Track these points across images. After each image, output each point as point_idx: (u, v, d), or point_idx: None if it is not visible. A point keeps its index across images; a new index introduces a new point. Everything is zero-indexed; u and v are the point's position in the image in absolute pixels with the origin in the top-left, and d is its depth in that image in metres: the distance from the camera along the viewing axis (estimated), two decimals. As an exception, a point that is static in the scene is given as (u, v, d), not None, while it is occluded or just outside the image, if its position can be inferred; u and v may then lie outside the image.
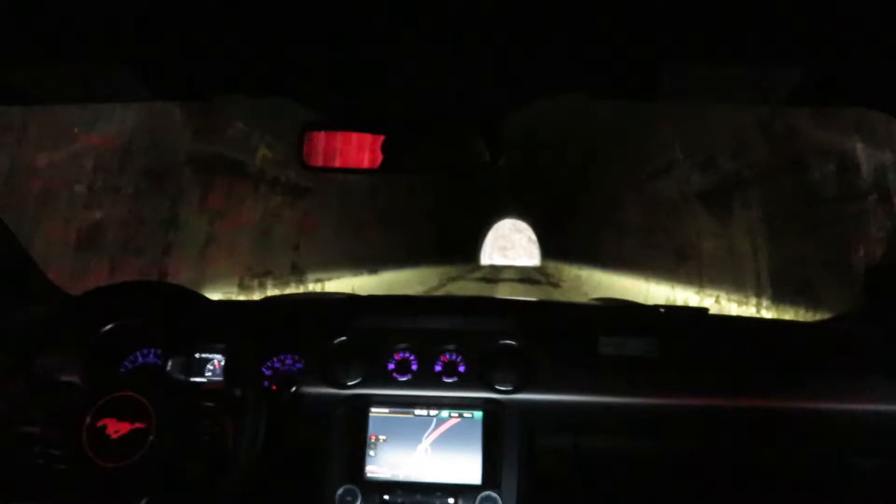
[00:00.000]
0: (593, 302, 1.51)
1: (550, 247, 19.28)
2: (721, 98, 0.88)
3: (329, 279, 6.94)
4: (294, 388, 1.09)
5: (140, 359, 1.15)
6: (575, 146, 8.94)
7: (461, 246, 17.89)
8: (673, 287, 6.34)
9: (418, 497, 1.00)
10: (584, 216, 11.57)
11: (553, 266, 18.71)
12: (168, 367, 0.99)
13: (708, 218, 5.16)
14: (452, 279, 15.22)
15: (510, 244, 30.16)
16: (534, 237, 25.41)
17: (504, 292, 11.79)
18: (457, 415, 1.05)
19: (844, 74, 0.77)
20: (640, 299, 1.49)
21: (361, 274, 8.47)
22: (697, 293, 5.58)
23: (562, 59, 0.78)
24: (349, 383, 1.09)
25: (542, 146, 9.26)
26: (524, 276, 18.20)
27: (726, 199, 4.68)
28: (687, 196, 5.56)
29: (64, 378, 0.96)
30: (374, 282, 8.96)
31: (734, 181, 4.43)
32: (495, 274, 18.70)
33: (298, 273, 5.93)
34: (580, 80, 0.85)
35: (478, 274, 18.37)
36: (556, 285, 14.85)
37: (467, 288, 13.65)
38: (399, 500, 1.01)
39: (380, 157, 0.94)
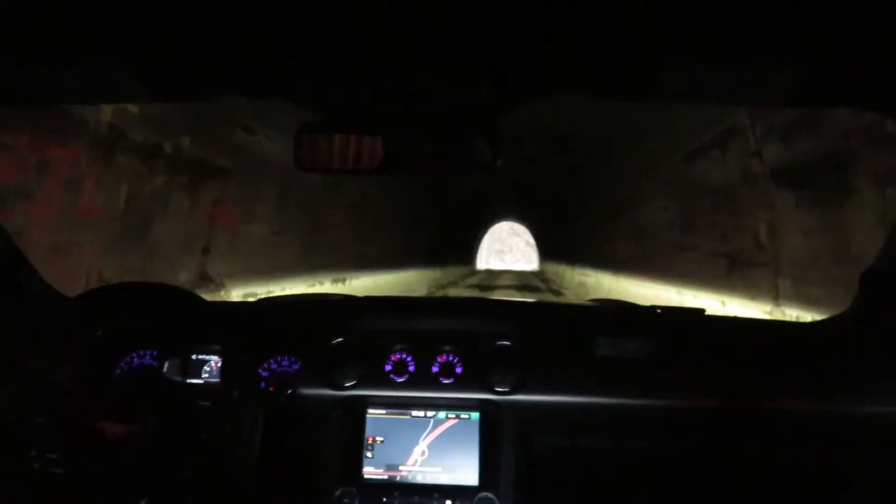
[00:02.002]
0: (590, 303, 1.48)
1: (550, 249, 17.71)
2: (720, 98, 0.87)
3: (268, 292, 5.28)
4: (291, 390, 1.08)
5: (136, 360, 1.12)
6: (582, 131, 7.34)
7: (455, 249, 16.34)
8: (724, 302, 4.71)
9: (416, 498, 0.99)
10: (591, 212, 9.96)
11: (553, 271, 17.20)
12: (164, 369, 1.07)
13: (794, 205, 3.53)
14: (443, 286, 13.87)
15: (507, 248, 28.83)
16: (532, 241, 24.14)
17: (500, 302, 10.25)
18: (454, 416, 1.05)
19: (844, 75, 0.75)
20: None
21: (321, 283, 6.83)
22: (769, 313, 3.95)
23: (561, 59, 0.76)
24: (346, 384, 1.09)
25: (543, 138, 7.87)
26: (522, 282, 16.82)
27: (832, 175, 3.05)
28: (754, 177, 3.93)
29: (60, 380, 0.93)
30: (338, 291, 7.31)
31: (855, 145, 2.80)
32: (491, 280, 17.28)
33: (210, 284, 4.27)
34: (579, 80, 0.82)
35: (472, 280, 16.97)
36: (557, 293, 13.41)
37: (460, 296, 12.12)
38: (396, 501, 1.00)
39: (378, 158, 0.89)
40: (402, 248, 10.80)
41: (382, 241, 9.51)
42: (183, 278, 3.94)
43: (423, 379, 1.09)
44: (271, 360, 1.12)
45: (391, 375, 1.09)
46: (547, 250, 19.37)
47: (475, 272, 20.99)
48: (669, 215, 5.94)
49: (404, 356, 1.11)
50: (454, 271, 16.47)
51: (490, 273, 21.52)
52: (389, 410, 1.05)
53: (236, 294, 4.67)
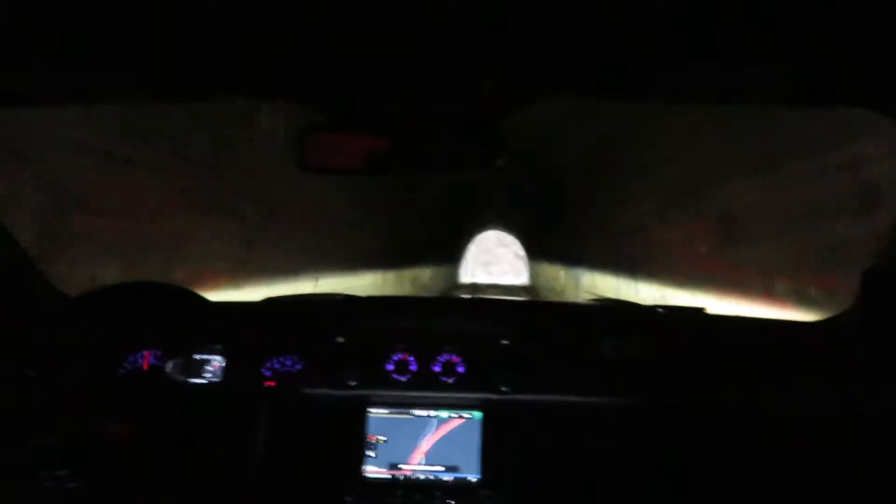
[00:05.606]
0: (592, 302, 1.48)
1: (544, 257, 15.52)
2: (719, 98, 0.87)
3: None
4: (293, 390, 1.11)
5: (139, 360, 1.13)
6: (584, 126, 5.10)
7: (435, 258, 14.06)
8: None
9: (418, 497, 1.03)
10: (598, 213, 7.73)
11: (548, 286, 14.97)
12: (167, 369, 1.07)
13: None
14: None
15: (495, 259, 26.66)
16: (521, 252, 21.97)
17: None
18: (456, 415, 1.09)
19: (843, 75, 0.75)
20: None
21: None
22: None
23: (560, 59, 0.76)
24: (348, 384, 1.12)
25: (544, 134, 5.78)
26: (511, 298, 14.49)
27: None
28: None
29: (63, 380, 0.94)
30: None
31: None
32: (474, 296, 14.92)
33: None
34: (578, 80, 0.83)
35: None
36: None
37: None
38: (399, 500, 1.03)
39: (379, 159, 0.91)
40: (363, 256, 8.46)
41: (335, 246, 7.15)
42: None
43: (424, 378, 1.13)
44: (274, 360, 1.14)
45: (393, 375, 1.13)
46: (540, 259, 17.18)
47: (458, 286, 18.68)
48: (745, 203, 3.70)
49: (406, 356, 1.15)
50: (431, 286, 14.17)
51: (475, 288, 19.24)
52: (391, 410, 1.10)
53: None
